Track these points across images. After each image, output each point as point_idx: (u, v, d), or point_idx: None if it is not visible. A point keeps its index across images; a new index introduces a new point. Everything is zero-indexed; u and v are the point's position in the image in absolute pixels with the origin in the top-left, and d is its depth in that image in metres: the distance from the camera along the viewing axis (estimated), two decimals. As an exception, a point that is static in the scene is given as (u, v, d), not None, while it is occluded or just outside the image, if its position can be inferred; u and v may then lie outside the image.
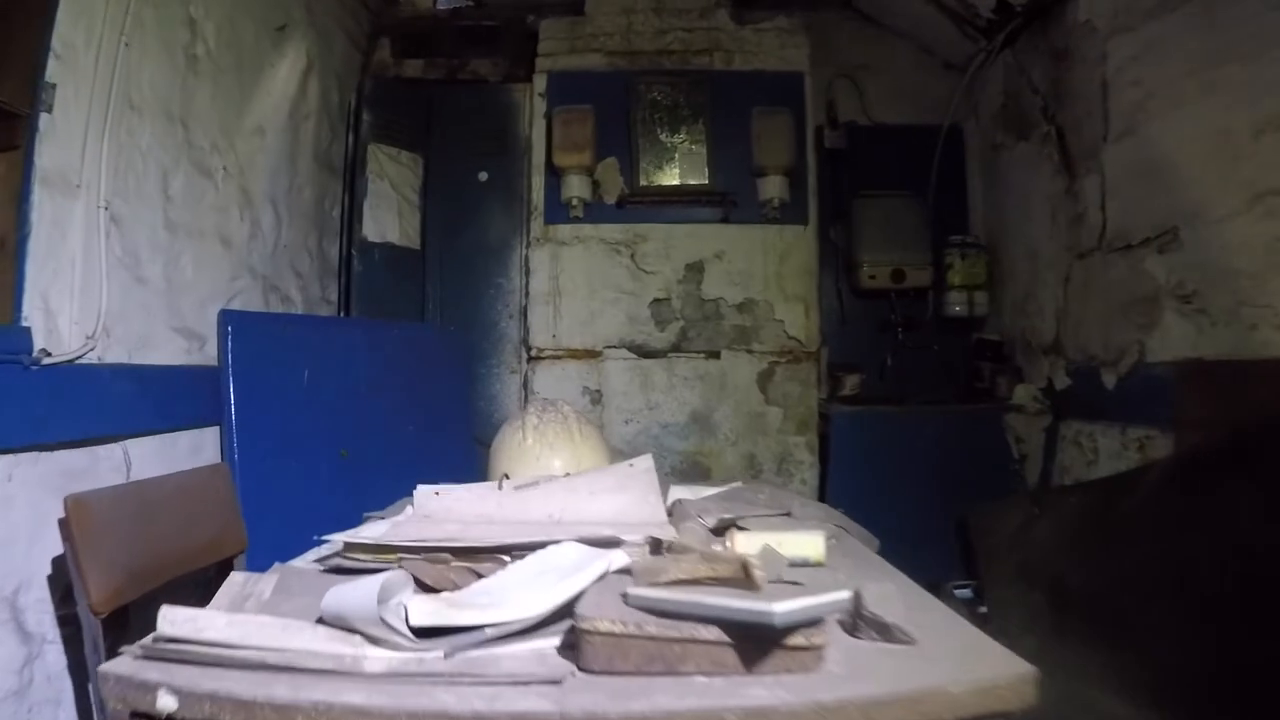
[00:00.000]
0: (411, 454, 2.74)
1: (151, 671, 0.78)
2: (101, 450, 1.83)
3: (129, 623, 1.41)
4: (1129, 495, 2.22)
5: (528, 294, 3.32)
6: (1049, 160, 2.98)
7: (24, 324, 1.64)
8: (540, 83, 3.34)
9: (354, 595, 0.83)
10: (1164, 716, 1.74)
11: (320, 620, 0.85)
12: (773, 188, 3.18)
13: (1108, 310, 2.61)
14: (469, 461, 2.88)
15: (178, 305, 2.18)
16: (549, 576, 0.93)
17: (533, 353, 3.27)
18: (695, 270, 3.28)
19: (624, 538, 1.06)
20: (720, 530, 1.22)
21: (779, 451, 3.20)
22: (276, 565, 1.17)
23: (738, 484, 1.69)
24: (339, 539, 1.21)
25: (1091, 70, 2.64)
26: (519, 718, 0.71)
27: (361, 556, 1.14)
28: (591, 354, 3.26)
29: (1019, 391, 3.10)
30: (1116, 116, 2.54)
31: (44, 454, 1.65)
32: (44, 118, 1.70)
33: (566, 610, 0.83)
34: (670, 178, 3.28)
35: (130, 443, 1.92)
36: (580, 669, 0.77)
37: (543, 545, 1.05)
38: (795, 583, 0.92)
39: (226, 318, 2.29)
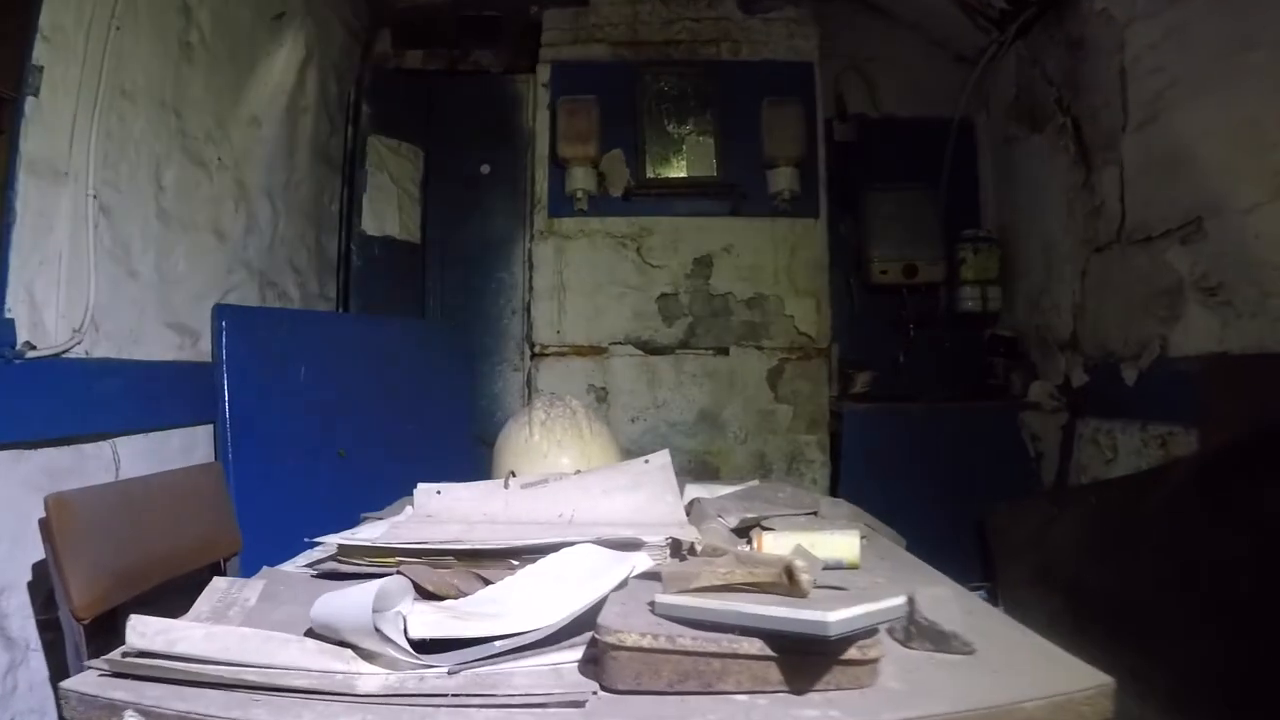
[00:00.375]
0: (411, 454, 2.68)
1: (118, 690, 0.70)
2: (89, 448, 1.77)
3: (117, 629, 1.33)
4: (1152, 494, 2.16)
5: (531, 289, 3.26)
6: (1064, 152, 2.91)
7: (7, 316, 1.58)
8: (544, 73, 3.29)
9: (346, 604, 0.74)
10: (1194, 726, 1.68)
11: (309, 632, 0.76)
12: (783, 179, 3.12)
13: (1127, 304, 2.55)
14: (471, 462, 2.83)
15: (170, 299, 2.12)
16: (565, 582, 0.85)
17: (536, 349, 3.21)
18: (703, 264, 3.22)
19: (646, 539, 0.98)
20: (743, 530, 1.15)
21: (789, 450, 3.14)
22: (264, 569, 1.10)
23: (755, 482, 1.62)
24: (332, 541, 1.13)
25: (1109, 59, 2.58)
26: (534, 744, 0.63)
27: (356, 560, 1.06)
28: (597, 351, 3.19)
29: (1035, 388, 3.04)
30: (1136, 106, 2.48)
31: (27, 452, 1.59)
32: (30, 102, 1.64)
33: (586, 621, 0.75)
34: (677, 170, 3.22)
35: (119, 441, 1.86)
36: (604, 688, 0.69)
37: (555, 548, 0.97)
38: (838, 588, 0.85)
39: (221, 312, 2.23)
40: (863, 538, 1.07)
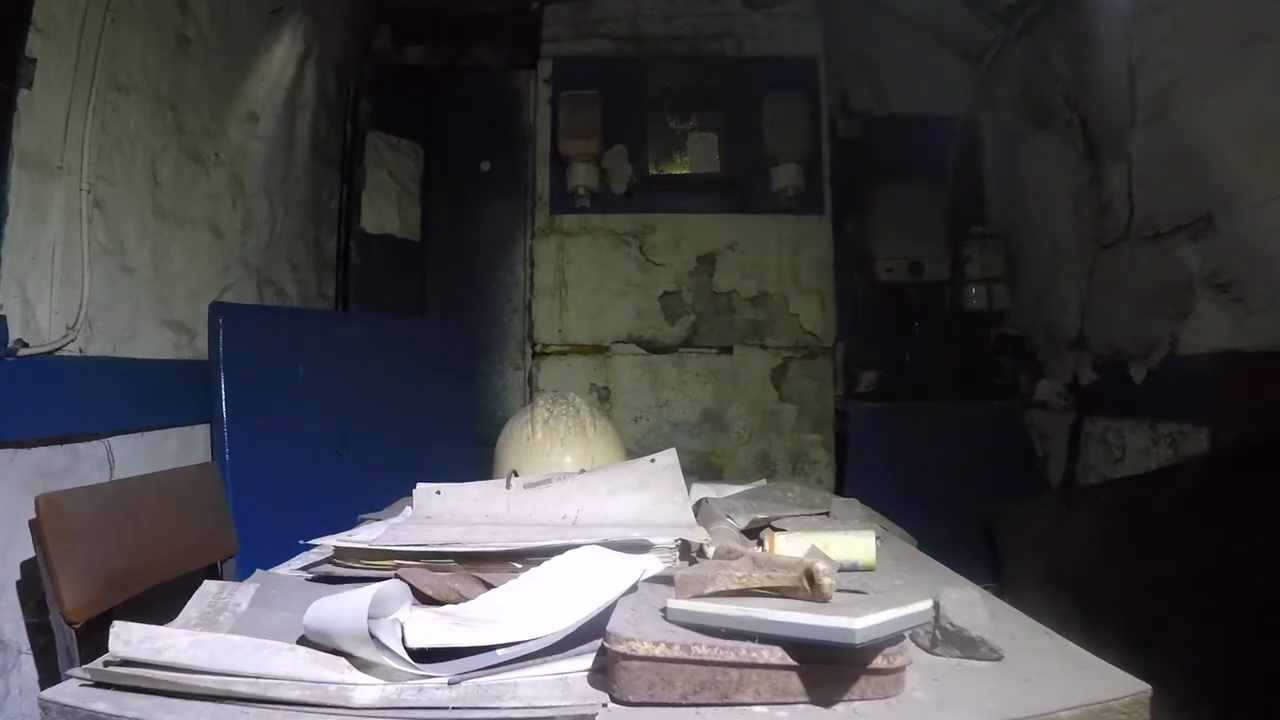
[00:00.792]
0: (411, 454, 2.65)
1: (100, 700, 0.66)
2: (83, 448, 1.74)
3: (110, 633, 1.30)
4: (1163, 494, 2.13)
5: (532, 287, 3.23)
6: (1071, 148, 2.89)
7: (-1, 313, 1.54)
8: (545, 69, 3.26)
9: (342, 610, 0.70)
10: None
11: (302, 640, 0.73)
12: (787, 176, 3.10)
13: (1136, 301, 2.52)
14: (471, 462, 2.79)
15: (166, 296, 2.09)
16: (571, 587, 0.82)
17: (537, 348, 3.18)
18: (707, 262, 3.19)
19: (655, 541, 0.95)
20: (753, 532, 1.11)
21: (794, 450, 3.11)
22: (257, 572, 1.06)
23: (763, 482, 1.59)
24: (328, 543, 1.09)
25: (1116, 54, 2.56)
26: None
27: (353, 563, 1.02)
28: (599, 349, 3.16)
29: (1042, 387, 3.00)
30: (1144, 101, 2.46)
31: (20, 451, 1.56)
32: (23, 94, 1.61)
33: (595, 628, 0.72)
34: (680, 166, 3.19)
35: (114, 440, 1.83)
36: (615, 699, 0.65)
37: (560, 550, 0.94)
38: (857, 591, 0.81)
39: (218, 310, 2.20)
40: (877, 538, 1.03)
